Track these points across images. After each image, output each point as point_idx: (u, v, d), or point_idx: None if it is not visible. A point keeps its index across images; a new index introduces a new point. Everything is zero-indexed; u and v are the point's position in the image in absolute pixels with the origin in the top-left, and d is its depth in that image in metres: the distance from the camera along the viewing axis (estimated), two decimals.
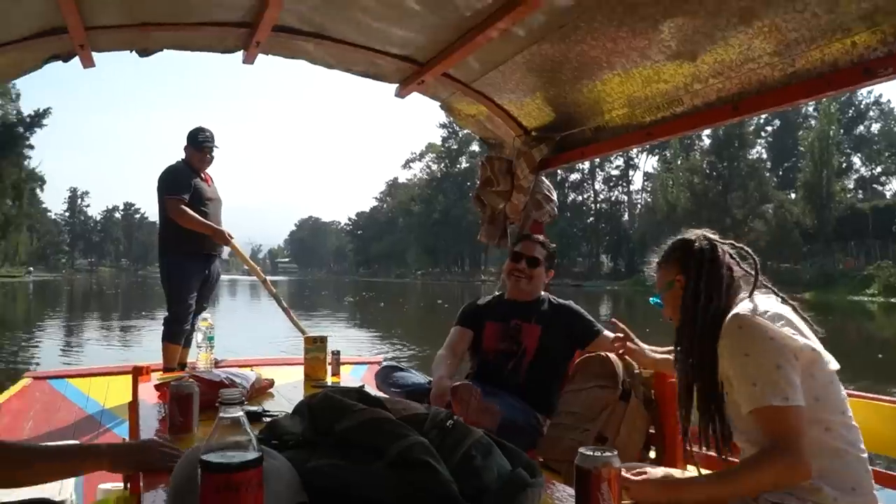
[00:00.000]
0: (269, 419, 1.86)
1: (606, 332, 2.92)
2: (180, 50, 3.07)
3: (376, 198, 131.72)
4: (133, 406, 2.57)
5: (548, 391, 2.90)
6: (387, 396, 1.35)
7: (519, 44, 2.71)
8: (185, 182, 4.63)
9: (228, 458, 0.85)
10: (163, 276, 4.75)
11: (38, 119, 63.43)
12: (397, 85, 3.38)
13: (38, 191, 76.38)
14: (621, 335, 2.54)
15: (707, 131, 54.05)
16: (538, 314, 2.99)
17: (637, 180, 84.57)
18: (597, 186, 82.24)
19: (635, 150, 74.37)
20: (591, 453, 1.08)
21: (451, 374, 2.88)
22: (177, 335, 4.64)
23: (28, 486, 1.53)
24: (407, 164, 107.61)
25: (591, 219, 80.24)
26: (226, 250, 5.05)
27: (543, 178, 3.53)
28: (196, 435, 1.76)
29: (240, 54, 3.06)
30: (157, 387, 2.23)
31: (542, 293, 3.11)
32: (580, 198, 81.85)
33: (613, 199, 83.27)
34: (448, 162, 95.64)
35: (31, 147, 65.16)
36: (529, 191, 3.45)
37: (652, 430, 2.55)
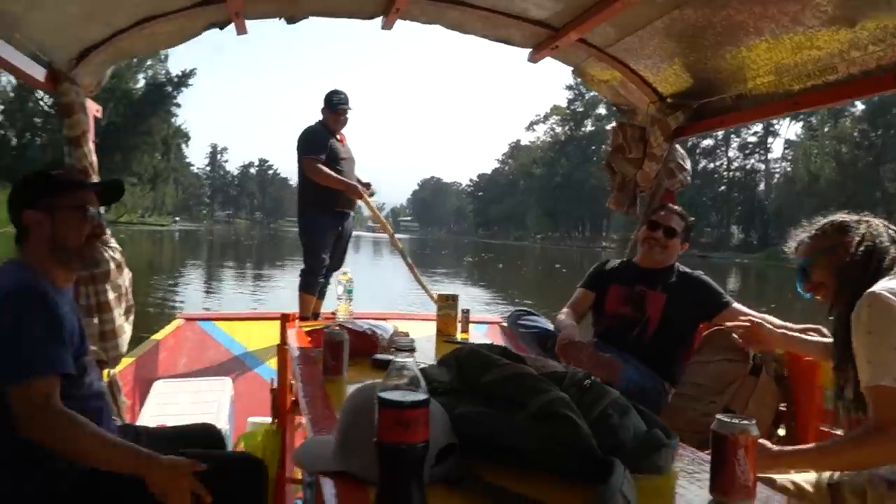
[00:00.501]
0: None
1: (736, 305, 2.87)
2: (324, 17, 3.20)
3: (498, 160, 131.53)
4: (281, 349, 2.80)
5: (671, 360, 2.89)
6: (525, 355, 1.42)
7: (660, 8, 2.64)
8: (321, 142, 4.86)
9: (401, 397, 0.95)
10: (300, 231, 5.02)
11: (184, 79, 68.24)
12: (530, 50, 3.37)
13: (183, 146, 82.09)
14: (746, 324, 2.47)
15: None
16: (664, 283, 2.96)
17: (776, 148, 79.53)
18: (731, 154, 77.93)
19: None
20: (729, 420, 1.11)
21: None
22: (311, 286, 4.91)
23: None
24: (530, 127, 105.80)
25: (722, 187, 76.32)
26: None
27: (677, 146, 3.45)
28: (345, 378, 1.91)
29: (378, 20, 3.16)
30: (309, 333, 2.40)
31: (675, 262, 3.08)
32: (711, 165, 77.62)
33: (749, 167, 78.55)
34: (573, 125, 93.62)
35: (178, 105, 70.97)
36: (662, 159, 3.38)
37: (783, 408, 2.49)
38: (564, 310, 3.15)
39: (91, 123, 2.95)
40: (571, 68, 3.54)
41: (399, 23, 3.17)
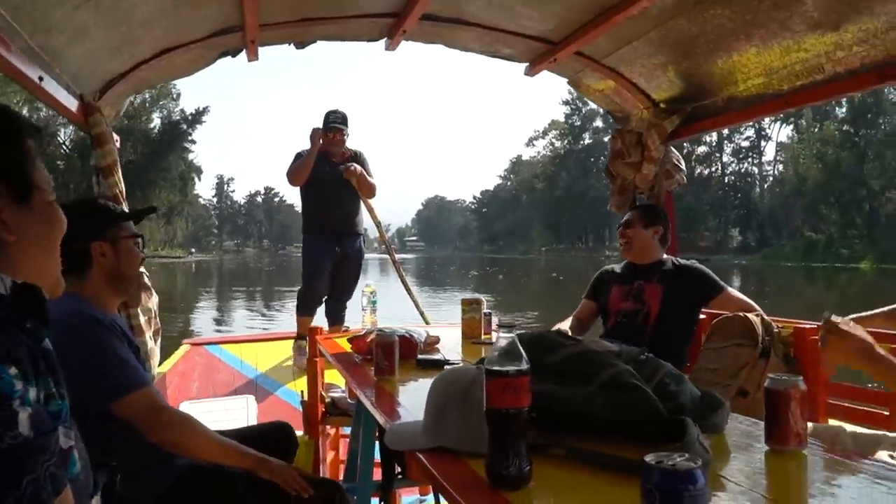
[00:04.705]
0: (449, 366, 2.13)
1: (730, 290, 3.04)
2: (331, 41, 3.32)
3: (500, 176, 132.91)
4: (311, 361, 2.91)
5: (677, 348, 3.01)
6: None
7: (654, 20, 2.77)
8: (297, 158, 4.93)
9: (508, 367, 1.08)
10: (302, 254, 5.12)
11: (198, 116, 71.07)
12: (527, 64, 3.49)
13: (195, 179, 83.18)
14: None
15: (843, 101, 49.99)
16: (660, 274, 3.11)
17: (769, 151, 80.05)
18: (725, 159, 78.69)
19: (767, 121, 70.26)
20: (780, 377, 1.29)
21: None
22: (304, 308, 4.99)
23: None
24: (530, 142, 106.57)
25: (719, 192, 76.73)
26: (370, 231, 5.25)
27: (672, 148, 3.59)
28: (397, 378, 2.03)
29: (382, 42, 3.27)
30: (351, 340, 2.51)
31: (665, 256, 3.22)
32: (707, 171, 78.37)
33: (743, 171, 79.48)
34: (571, 139, 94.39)
35: (193, 142, 73.25)
36: (659, 161, 3.52)
37: None
38: (568, 320, 3.30)
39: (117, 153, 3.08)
40: (566, 79, 3.66)
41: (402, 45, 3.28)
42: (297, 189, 5.02)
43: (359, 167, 4.88)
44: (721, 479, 1.13)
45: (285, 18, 2.96)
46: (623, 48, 3.13)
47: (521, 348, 1.10)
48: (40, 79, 2.34)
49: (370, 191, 5.00)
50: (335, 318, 5.08)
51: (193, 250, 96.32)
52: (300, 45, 3.28)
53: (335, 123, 4.91)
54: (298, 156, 4.98)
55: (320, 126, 4.95)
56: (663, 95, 3.47)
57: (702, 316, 3.14)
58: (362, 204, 5.11)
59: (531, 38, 3.22)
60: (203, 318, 17.60)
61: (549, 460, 1.18)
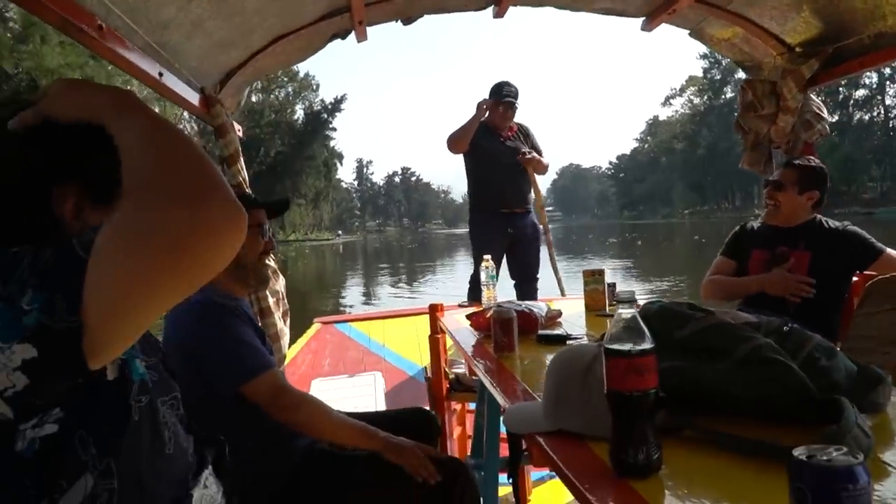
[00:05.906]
0: (571, 341, 2.06)
1: (891, 251, 2.69)
2: (437, 13, 3.25)
3: (636, 139, 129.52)
4: (433, 338, 2.93)
5: (828, 317, 2.75)
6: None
7: None
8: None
9: (630, 347, 0.98)
10: (469, 235, 4.79)
11: (337, 104, 74.85)
12: (643, 19, 3.28)
13: (338, 165, 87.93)
14: None
15: None
16: (807, 239, 2.81)
17: None
18: (888, 101, 71.17)
19: None
20: None
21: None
22: (477, 293, 4.40)
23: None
24: (667, 101, 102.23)
25: (883, 138, 69.74)
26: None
27: (812, 95, 3.27)
28: (517, 354, 1.97)
29: (490, 10, 3.20)
30: (469, 316, 2.47)
31: (816, 216, 2.90)
32: (868, 116, 71.37)
33: None
34: (711, 94, 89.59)
35: (334, 129, 77.68)
36: (798, 111, 3.22)
37: None
38: (712, 277, 3.02)
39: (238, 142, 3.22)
40: (687, 31, 3.41)
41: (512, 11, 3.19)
42: (451, 164, 4.98)
43: (535, 154, 4.68)
44: (884, 465, 0.99)
45: None
46: None
47: (642, 324, 0.99)
48: (160, 74, 2.47)
49: (544, 170, 4.80)
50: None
51: (340, 232, 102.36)
52: (406, 20, 3.26)
53: (509, 97, 4.63)
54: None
55: (486, 98, 4.70)
56: (799, 38, 3.16)
57: (854, 278, 2.82)
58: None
59: None
60: (353, 295, 18.50)
61: (681, 444, 1.07)
